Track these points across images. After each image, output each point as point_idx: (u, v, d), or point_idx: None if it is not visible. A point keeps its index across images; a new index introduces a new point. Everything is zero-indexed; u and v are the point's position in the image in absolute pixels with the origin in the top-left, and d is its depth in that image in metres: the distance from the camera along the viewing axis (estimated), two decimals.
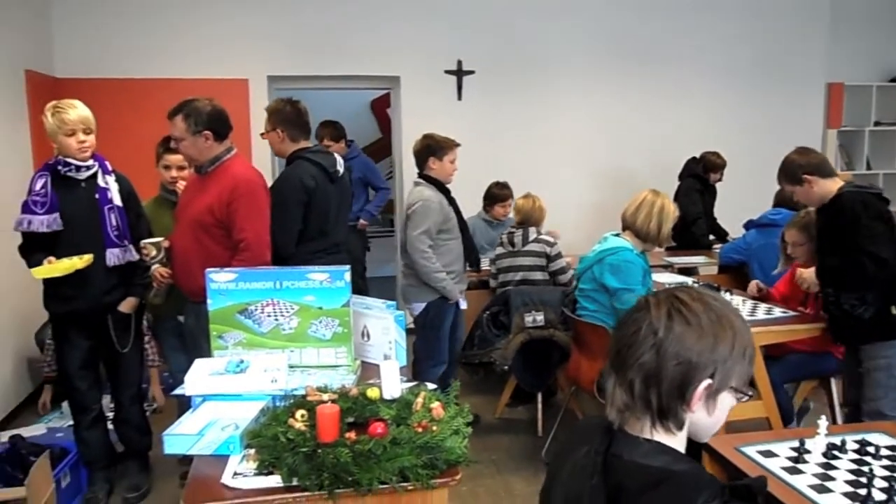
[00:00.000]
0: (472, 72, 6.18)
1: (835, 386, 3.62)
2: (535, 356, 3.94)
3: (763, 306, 3.61)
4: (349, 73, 5.98)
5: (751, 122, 6.78)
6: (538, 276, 4.15)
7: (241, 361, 2.17)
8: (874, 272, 2.89)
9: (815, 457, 1.91)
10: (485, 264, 4.49)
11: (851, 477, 1.81)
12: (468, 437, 1.84)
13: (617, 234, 3.44)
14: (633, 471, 1.15)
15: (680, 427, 1.19)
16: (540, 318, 3.90)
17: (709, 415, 1.19)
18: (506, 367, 3.93)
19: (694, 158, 5.86)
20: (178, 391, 2.17)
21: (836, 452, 1.93)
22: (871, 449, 1.94)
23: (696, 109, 6.66)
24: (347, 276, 2.31)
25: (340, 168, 3.48)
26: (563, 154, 6.42)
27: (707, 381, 1.15)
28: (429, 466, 1.70)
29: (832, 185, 3.06)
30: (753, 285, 3.86)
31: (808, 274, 3.17)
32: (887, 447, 1.97)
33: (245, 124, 5.39)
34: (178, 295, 3.24)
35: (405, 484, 1.68)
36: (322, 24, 5.88)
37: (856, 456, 1.93)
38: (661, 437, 1.19)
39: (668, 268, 4.93)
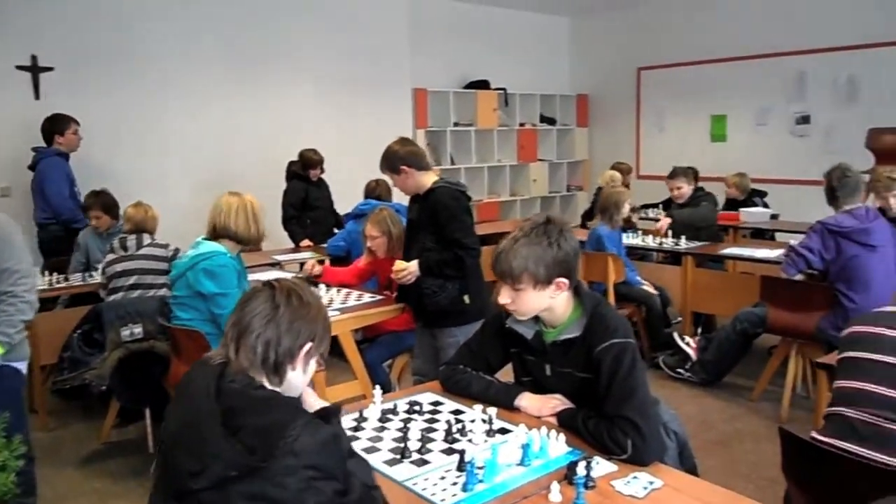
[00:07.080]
0: (51, 68, 5.58)
1: None
2: (137, 371, 3.73)
3: (354, 293, 3.93)
4: None
5: (350, 124, 7.28)
6: (150, 279, 3.97)
7: None
8: (471, 263, 3.27)
9: (372, 422, 2.15)
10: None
11: (398, 434, 2.07)
12: (18, 471, 1.70)
13: (207, 239, 3.41)
14: (245, 395, 1.45)
15: (282, 381, 1.53)
16: (138, 330, 3.71)
17: (304, 373, 1.58)
18: (104, 388, 3.66)
19: (292, 161, 6.10)
20: None
21: (388, 416, 2.20)
22: (417, 408, 2.25)
23: (302, 112, 6.95)
24: None
25: None
26: (166, 158, 6.17)
27: (309, 345, 1.55)
28: None
29: (426, 179, 3.34)
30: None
31: (414, 267, 3.32)
32: (430, 403, 2.30)
33: None
34: None
35: None
36: None
37: (405, 416, 2.21)
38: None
39: (275, 265, 5.07)
